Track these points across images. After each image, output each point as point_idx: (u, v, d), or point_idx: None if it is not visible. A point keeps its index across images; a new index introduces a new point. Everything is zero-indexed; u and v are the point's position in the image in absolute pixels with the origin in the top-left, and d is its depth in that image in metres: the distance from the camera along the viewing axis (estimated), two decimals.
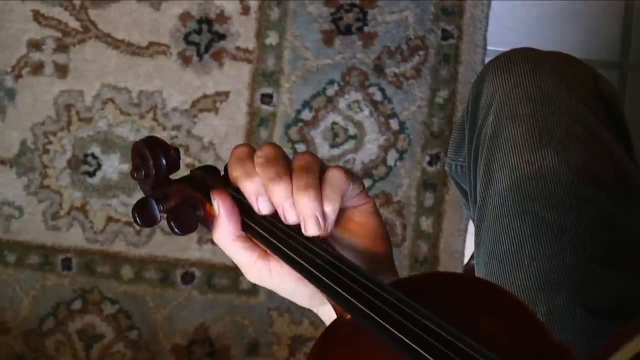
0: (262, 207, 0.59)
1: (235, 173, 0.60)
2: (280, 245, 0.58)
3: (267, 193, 0.58)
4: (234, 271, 1.56)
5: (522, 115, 0.84)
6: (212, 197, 0.60)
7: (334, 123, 1.56)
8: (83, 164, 1.59)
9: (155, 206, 0.65)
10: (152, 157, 0.65)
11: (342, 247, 0.61)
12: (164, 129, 1.57)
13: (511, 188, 0.82)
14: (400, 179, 1.54)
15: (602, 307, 0.77)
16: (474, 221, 0.91)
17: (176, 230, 0.62)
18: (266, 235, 0.59)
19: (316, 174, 0.58)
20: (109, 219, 1.58)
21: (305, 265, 0.57)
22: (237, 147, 0.61)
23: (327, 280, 0.55)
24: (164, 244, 1.57)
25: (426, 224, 1.54)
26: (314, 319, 1.53)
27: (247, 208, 0.60)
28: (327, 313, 0.62)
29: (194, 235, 1.56)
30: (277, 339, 1.54)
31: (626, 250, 0.81)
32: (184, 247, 1.57)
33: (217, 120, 1.57)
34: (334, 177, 0.58)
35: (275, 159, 0.59)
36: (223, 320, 1.56)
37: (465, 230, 1.53)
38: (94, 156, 1.59)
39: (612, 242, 0.81)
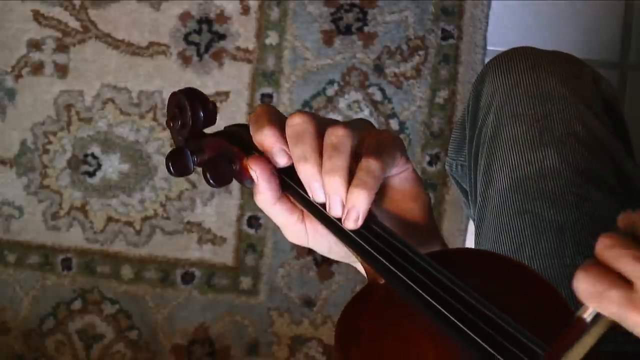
0: (279, 160, 0.59)
1: (252, 131, 0.60)
2: (317, 207, 0.58)
3: (296, 169, 0.58)
4: (234, 271, 1.56)
5: (522, 115, 0.84)
6: (249, 166, 0.59)
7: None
8: (83, 164, 1.59)
9: (190, 157, 0.65)
10: (191, 107, 0.65)
11: (381, 214, 0.61)
12: (164, 129, 1.57)
13: (511, 187, 0.82)
14: None
15: None
16: (474, 221, 0.91)
17: (212, 181, 0.61)
18: (305, 196, 0.59)
19: (347, 154, 0.56)
20: (109, 219, 1.58)
21: (341, 228, 0.57)
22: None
23: (362, 243, 0.55)
24: (164, 244, 1.57)
25: None
26: (314, 318, 1.53)
27: (284, 169, 0.60)
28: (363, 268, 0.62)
29: (194, 236, 1.56)
30: (277, 339, 1.54)
31: None
32: (184, 247, 1.57)
33: (217, 120, 1.57)
34: (371, 166, 0.56)
35: (303, 134, 0.57)
36: (223, 320, 1.56)
37: (465, 230, 1.53)
38: (94, 156, 1.59)
39: None
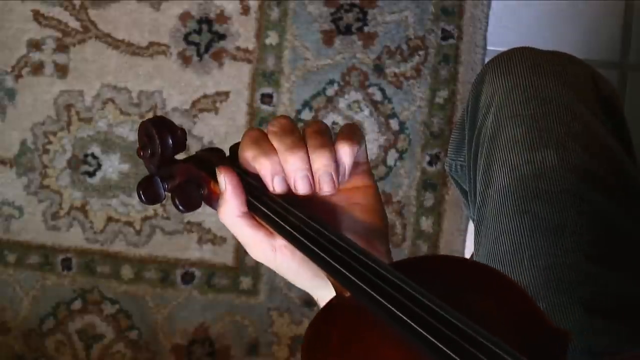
0: (277, 186, 0.60)
1: (250, 153, 0.61)
2: (283, 224, 0.59)
3: (282, 163, 0.59)
4: (234, 271, 1.56)
5: (521, 115, 0.84)
6: (217, 173, 0.61)
7: (334, 123, 1.56)
8: (83, 164, 1.59)
9: (160, 184, 0.66)
10: (159, 136, 0.66)
11: (343, 227, 0.62)
12: None
13: (511, 187, 0.82)
14: (400, 179, 1.54)
15: (602, 306, 0.77)
16: (473, 221, 0.91)
17: (180, 207, 0.63)
18: (270, 214, 0.60)
19: (329, 136, 0.60)
20: (109, 219, 1.58)
21: (307, 243, 0.57)
22: (249, 130, 0.62)
23: (327, 258, 0.56)
24: (164, 244, 1.57)
25: (426, 224, 1.54)
26: None
27: (252, 188, 0.61)
28: (325, 298, 0.63)
29: (194, 236, 1.56)
30: (277, 339, 1.54)
31: (626, 249, 0.81)
32: (184, 247, 1.57)
33: (217, 120, 1.57)
34: (348, 129, 0.61)
35: (291, 129, 0.60)
36: (223, 320, 1.56)
37: (465, 230, 1.53)
38: (94, 156, 1.59)
39: (612, 241, 0.81)
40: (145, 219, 1.57)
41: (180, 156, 0.69)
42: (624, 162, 0.86)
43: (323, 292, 0.63)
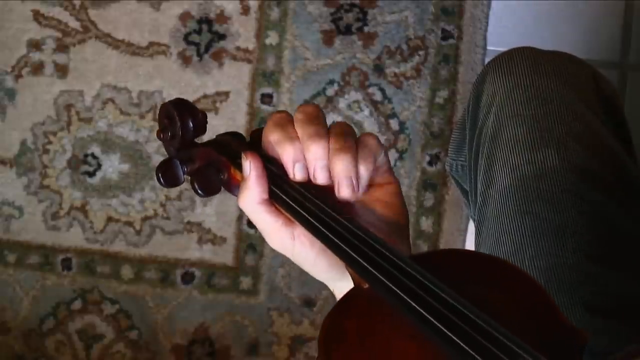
0: (297, 173, 0.60)
1: (275, 136, 0.60)
2: (304, 213, 0.59)
3: (304, 151, 0.59)
4: (234, 271, 1.56)
5: (522, 115, 0.84)
6: (243, 158, 0.60)
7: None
8: (83, 164, 1.59)
9: (180, 167, 0.66)
10: (180, 118, 0.66)
11: (364, 222, 0.61)
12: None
13: (512, 187, 0.82)
14: (400, 179, 1.54)
15: (603, 306, 0.77)
16: (474, 221, 0.91)
17: (199, 191, 0.63)
18: (291, 202, 0.59)
19: (353, 139, 0.59)
20: (109, 219, 1.58)
21: (328, 233, 0.57)
22: (276, 112, 0.62)
23: (346, 248, 0.56)
24: (164, 244, 1.57)
25: (426, 224, 1.54)
26: (314, 318, 1.53)
27: (273, 175, 0.60)
28: (343, 290, 0.63)
29: (194, 236, 1.56)
30: (277, 339, 1.54)
31: (627, 249, 0.82)
32: (184, 247, 1.57)
33: (217, 120, 1.57)
34: (368, 141, 0.60)
35: (317, 117, 0.60)
36: (223, 320, 1.56)
37: (465, 230, 1.54)
38: (94, 156, 1.59)
39: (613, 241, 0.81)
40: (145, 219, 1.57)
41: (199, 141, 0.69)
42: (625, 162, 0.86)
43: (340, 283, 0.63)
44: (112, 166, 1.59)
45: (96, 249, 1.58)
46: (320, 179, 0.59)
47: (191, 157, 0.66)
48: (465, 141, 0.94)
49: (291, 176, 0.60)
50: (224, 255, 1.56)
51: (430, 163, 1.54)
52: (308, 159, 0.59)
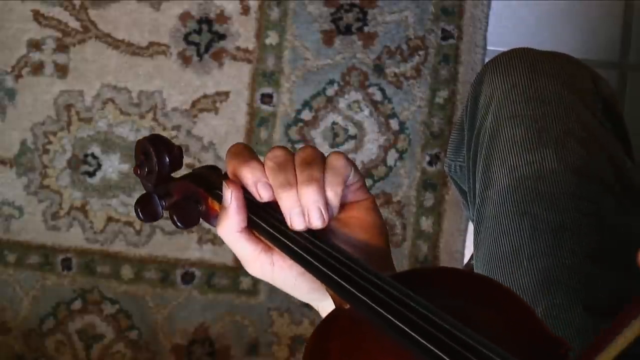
0: (262, 193, 0.60)
1: (232, 165, 0.61)
2: (282, 239, 0.59)
3: (277, 199, 0.59)
4: (234, 271, 1.56)
5: (520, 116, 0.84)
6: (224, 187, 0.60)
7: (334, 123, 1.56)
8: (83, 164, 1.59)
9: (158, 202, 0.66)
10: (156, 154, 0.67)
11: (342, 242, 0.62)
12: (164, 129, 1.57)
13: (510, 188, 0.82)
14: (400, 179, 1.54)
15: (601, 306, 0.77)
16: (473, 222, 0.91)
17: (179, 224, 0.63)
18: (269, 229, 0.60)
19: (319, 166, 0.59)
20: (109, 219, 1.58)
21: (307, 257, 0.58)
22: (231, 146, 0.62)
23: (326, 270, 0.56)
24: (164, 244, 1.57)
25: (426, 224, 1.54)
26: (314, 318, 1.53)
27: (251, 203, 0.61)
28: (327, 309, 0.63)
29: (194, 236, 1.56)
30: (277, 339, 1.54)
31: (625, 249, 0.81)
32: (184, 247, 1.57)
33: (217, 120, 1.57)
34: (335, 162, 0.59)
35: (286, 164, 0.59)
36: (223, 320, 1.56)
37: (465, 230, 1.53)
38: (94, 156, 1.59)
39: (611, 241, 0.81)
40: None
41: (177, 174, 0.69)
42: (623, 163, 0.86)
43: (323, 303, 0.63)
44: (112, 166, 1.59)
45: (96, 249, 1.58)
46: (297, 225, 0.59)
47: (168, 191, 0.67)
48: (463, 142, 0.94)
49: (258, 197, 0.60)
50: (224, 255, 1.56)
51: (430, 163, 1.54)
52: (282, 207, 0.59)
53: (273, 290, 1.55)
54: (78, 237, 1.58)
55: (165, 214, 0.67)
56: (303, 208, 0.58)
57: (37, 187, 1.59)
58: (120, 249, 1.58)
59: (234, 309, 1.56)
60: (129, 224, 1.58)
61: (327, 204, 0.58)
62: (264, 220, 0.61)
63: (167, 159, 0.67)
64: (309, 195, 0.58)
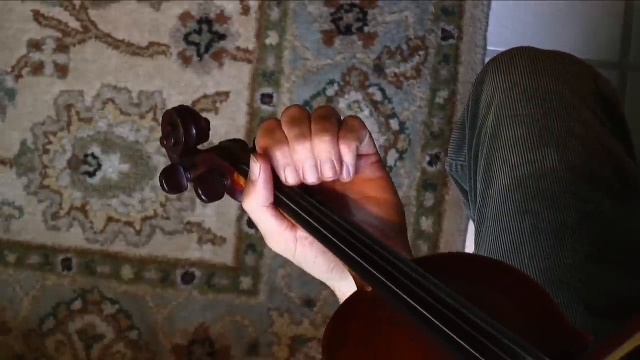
0: (288, 177, 0.60)
1: (264, 142, 0.61)
2: (307, 217, 0.59)
3: (291, 153, 0.59)
4: (234, 271, 1.56)
5: (521, 115, 0.84)
6: (252, 160, 0.60)
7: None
8: (83, 164, 1.59)
9: (183, 173, 0.66)
10: (183, 125, 0.66)
11: (359, 221, 0.62)
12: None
13: (511, 187, 0.82)
14: (400, 179, 1.54)
15: (602, 306, 0.77)
16: (474, 221, 0.91)
17: (203, 197, 0.63)
18: (294, 207, 0.60)
19: (333, 120, 0.60)
20: (109, 219, 1.58)
21: (332, 237, 0.58)
22: (265, 120, 0.62)
23: (350, 252, 0.56)
24: (164, 244, 1.57)
25: (426, 224, 1.54)
26: (314, 318, 1.53)
27: (277, 180, 0.61)
28: (343, 290, 0.63)
29: (194, 236, 1.56)
30: (277, 339, 1.54)
31: (626, 248, 0.82)
32: (184, 247, 1.57)
33: (217, 120, 1.57)
34: (351, 121, 0.60)
35: (301, 119, 0.60)
36: (223, 320, 1.56)
37: (465, 230, 1.53)
38: (94, 156, 1.59)
39: (612, 240, 0.81)
40: (145, 219, 1.57)
41: (202, 147, 0.69)
42: (624, 162, 0.86)
43: (339, 283, 0.63)
44: (112, 166, 1.59)
45: (96, 249, 1.58)
46: (309, 178, 0.59)
47: (194, 164, 0.67)
48: (464, 141, 0.94)
49: (283, 180, 0.60)
50: (224, 255, 1.56)
51: (430, 163, 1.54)
52: (295, 160, 0.59)
53: (273, 290, 1.55)
54: (78, 237, 1.58)
55: (190, 187, 0.66)
56: (316, 159, 0.59)
57: (37, 187, 1.59)
58: (120, 249, 1.58)
59: (234, 309, 1.56)
60: (129, 224, 1.58)
61: (340, 158, 0.59)
62: (289, 198, 0.60)
63: (194, 130, 0.67)
64: (321, 145, 0.58)
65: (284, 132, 0.60)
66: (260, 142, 0.61)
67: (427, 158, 1.54)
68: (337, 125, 0.60)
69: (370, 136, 0.61)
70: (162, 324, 1.56)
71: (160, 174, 0.66)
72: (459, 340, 0.48)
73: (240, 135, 1.57)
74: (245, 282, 1.55)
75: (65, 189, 1.59)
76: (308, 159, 0.59)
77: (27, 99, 1.60)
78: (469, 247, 1.53)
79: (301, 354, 1.54)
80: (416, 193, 1.54)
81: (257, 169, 0.60)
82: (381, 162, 0.63)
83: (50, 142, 1.59)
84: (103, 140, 1.59)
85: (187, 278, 1.57)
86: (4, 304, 1.59)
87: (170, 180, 0.66)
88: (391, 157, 1.55)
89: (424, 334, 0.50)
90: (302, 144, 0.59)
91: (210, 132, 0.68)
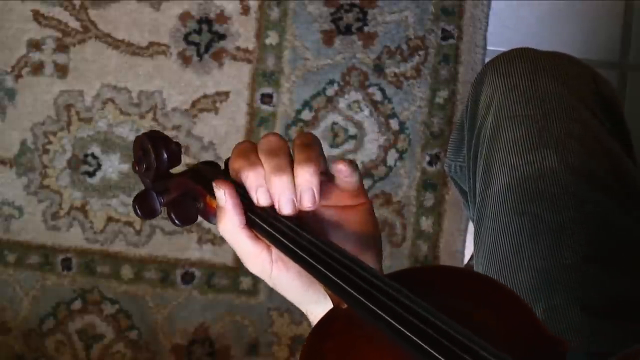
0: (261, 199, 0.60)
1: (238, 164, 0.61)
2: (281, 238, 0.59)
3: (267, 184, 0.59)
4: (234, 271, 1.56)
5: (521, 116, 0.84)
6: (215, 186, 0.60)
7: (334, 123, 1.56)
8: (83, 164, 1.59)
9: (156, 198, 0.66)
10: (154, 150, 0.66)
11: (333, 240, 0.61)
12: (164, 129, 1.57)
13: (510, 188, 0.82)
14: (400, 179, 1.54)
15: (600, 307, 0.77)
16: (473, 222, 0.91)
17: (176, 221, 0.63)
18: (266, 226, 0.60)
19: (315, 151, 0.59)
20: (109, 219, 1.58)
21: (306, 257, 0.58)
22: (239, 142, 0.62)
23: (325, 271, 0.56)
24: (164, 244, 1.57)
25: (426, 224, 1.54)
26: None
27: (247, 201, 0.61)
28: (316, 313, 0.63)
29: (194, 236, 1.56)
30: (277, 339, 1.54)
31: (625, 250, 0.81)
32: (184, 247, 1.57)
33: (217, 120, 1.57)
34: (340, 167, 0.60)
35: (279, 149, 0.60)
36: (223, 320, 1.56)
37: (465, 230, 1.53)
38: (94, 156, 1.59)
39: (611, 242, 0.81)
40: None
41: (175, 170, 0.69)
42: (624, 162, 0.86)
43: (314, 306, 0.63)
44: (112, 166, 1.59)
45: (96, 249, 1.58)
46: (285, 210, 0.59)
47: (167, 188, 0.67)
48: (463, 142, 0.94)
49: (255, 201, 0.60)
50: (224, 255, 1.56)
51: (430, 163, 1.54)
52: (271, 191, 0.59)
53: (273, 290, 1.54)
54: (78, 237, 1.58)
55: (164, 211, 0.66)
56: (297, 188, 0.58)
57: (37, 187, 1.59)
58: (120, 249, 1.58)
59: (234, 309, 1.56)
60: (129, 224, 1.58)
61: (319, 186, 0.59)
62: (263, 220, 0.60)
63: (165, 155, 0.67)
64: (307, 176, 0.58)
65: (258, 156, 0.60)
66: (233, 164, 0.61)
67: (427, 158, 1.54)
68: (321, 155, 0.60)
69: (360, 179, 0.61)
70: (162, 324, 1.56)
71: (134, 200, 0.66)
72: (438, 356, 0.48)
73: (241, 135, 1.57)
74: (245, 282, 1.55)
75: (65, 189, 1.59)
76: (285, 192, 0.59)
77: (27, 99, 1.60)
78: (469, 247, 1.53)
79: None
80: (416, 193, 1.54)
81: (221, 194, 0.60)
82: (363, 189, 0.63)
83: (50, 142, 1.59)
84: (103, 140, 1.59)
85: (187, 278, 1.57)
86: (4, 304, 1.59)
87: (144, 206, 0.66)
88: (391, 157, 1.55)
89: (400, 350, 0.50)
90: (279, 177, 0.59)
91: (181, 156, 0.68)
